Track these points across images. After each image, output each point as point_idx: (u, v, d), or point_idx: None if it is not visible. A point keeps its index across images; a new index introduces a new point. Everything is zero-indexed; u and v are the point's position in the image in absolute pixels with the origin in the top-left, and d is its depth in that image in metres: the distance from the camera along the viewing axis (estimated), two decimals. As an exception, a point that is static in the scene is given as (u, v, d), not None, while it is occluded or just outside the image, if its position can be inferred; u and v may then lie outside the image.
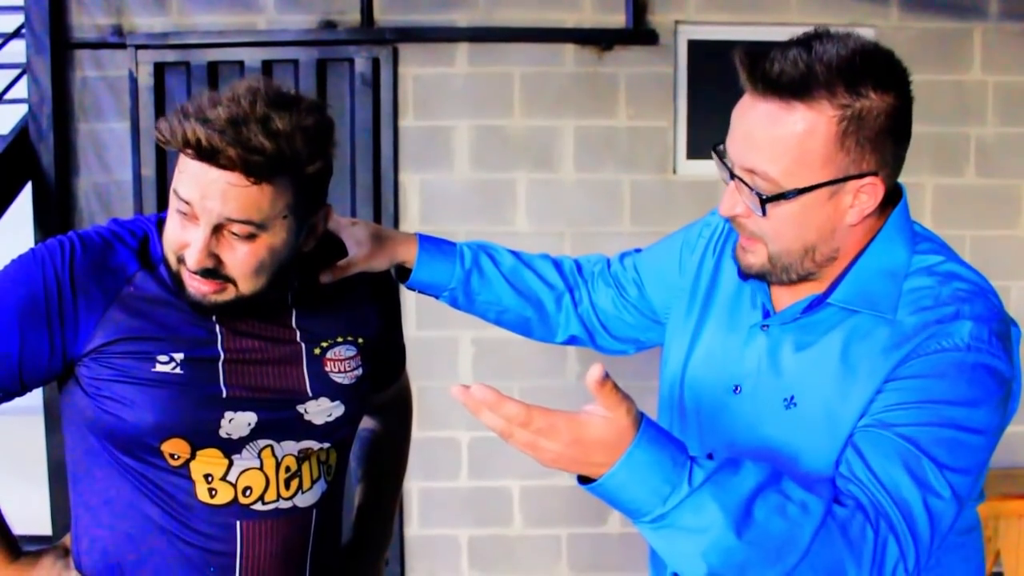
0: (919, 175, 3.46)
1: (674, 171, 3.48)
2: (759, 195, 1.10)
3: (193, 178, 1.14)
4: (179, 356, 1.22)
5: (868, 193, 1.11)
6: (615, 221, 3.47)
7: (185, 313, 1.23)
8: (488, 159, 3.46)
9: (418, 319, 3.46)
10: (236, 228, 1.16)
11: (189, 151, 1.12)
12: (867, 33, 3.44)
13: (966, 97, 3.48)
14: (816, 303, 1.18)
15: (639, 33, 3.40)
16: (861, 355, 1.14)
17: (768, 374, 1.21)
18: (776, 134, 1.08)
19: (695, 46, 3.46)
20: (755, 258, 1.17)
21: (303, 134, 1.14)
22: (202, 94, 1.17)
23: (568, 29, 3.42)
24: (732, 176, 1.14)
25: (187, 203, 1.15)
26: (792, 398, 1.18)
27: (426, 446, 3.51)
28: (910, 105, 1.11)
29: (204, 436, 1.22)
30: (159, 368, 1.21)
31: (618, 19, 3.41)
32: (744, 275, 1.23)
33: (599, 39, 3.42)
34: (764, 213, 1.11)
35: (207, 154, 1.11)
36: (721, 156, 1.15)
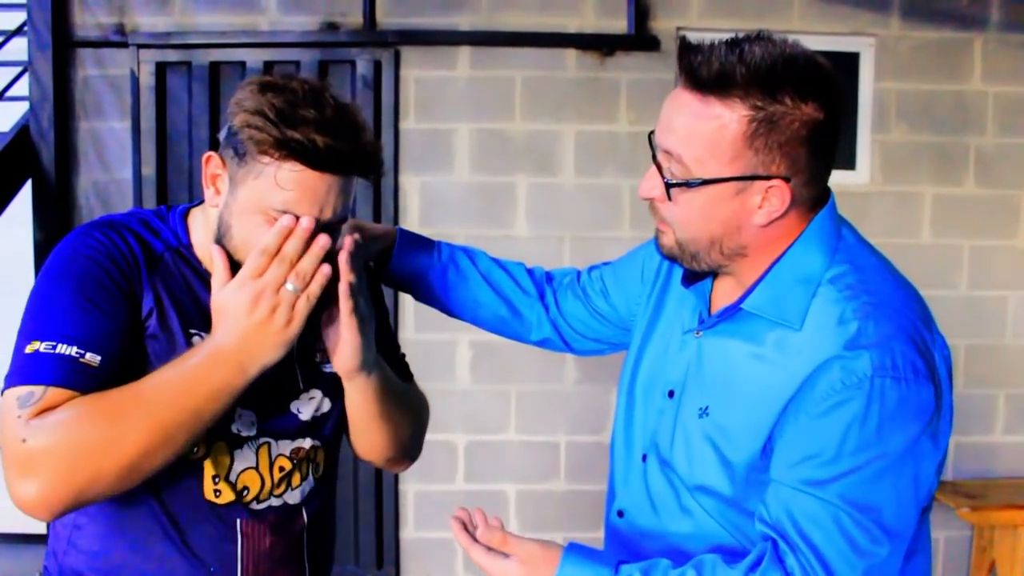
0: (918, 184, 3.46)
1: (674, 177, 3.48)
2: (666, 180, 1.14)
3: (309, 192, 1.14)
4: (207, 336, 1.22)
5: (776, 196, 1.12)
6: (615, 226, 3.47)
7: (206, 298, 1.23)
8: (488, 162, 3.47)
9: (416, 322, 3.46)
10: (335, 224, 1.20)
11: (303, 160, 1.12)
12: (868, 42, 3.45)
13: (966, 107, 3.48)
14: (731, 308, 1.20)
15: (641, 39, 3.41)
16: (774, 368, 1.14)
17: (693, 381, 1.24)
18: (691, 124, 1.11)
19: (696, 53, 3.47)
20: (666, 240, 1.21)
21: (369, 126, 1.20)
22: (270, 93, 1.14)
23: (570, 34, 3.43)
24: (655, 159, 1.17)
25: (295, 215, 1.15)
26: (706, 408, 1.20)
27: (423, 449, 3.50)
28: (835, 120, 1.11)
29: (219, 426, 1.21)
30: (195, 342, 1.21)
31: (620, 25, 3.42)
32: (667, 261, 1.27)
33: (601, 44, 3.42)
34: (670, 198, 1.15)
35: (330, 163, 1.13)
36: (651, 142, 1.19)
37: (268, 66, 3.41)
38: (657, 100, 3.82)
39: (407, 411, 1.35)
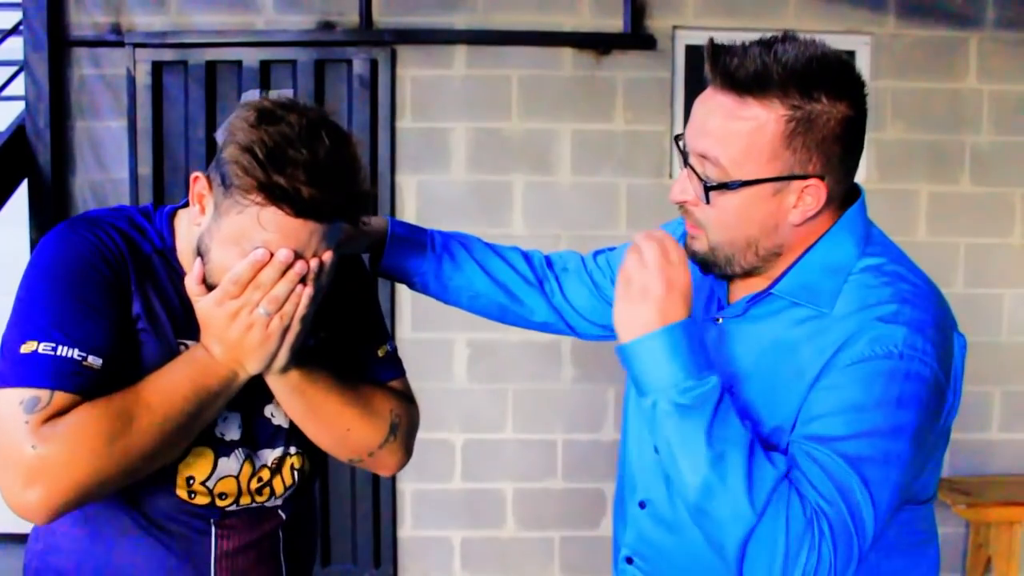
0: (914, 182, 3.47)
1: (670, 175, 3.48)
2: (704, 183, 1.13)
3: (291, 236, 1.12)
4: (192, 344, 1.22)
5: (812, 195, 1.13)
6: (611, 225, 3.47)
7: (191, 304, 1.22)
8: (485, 161, 3.47)
9: (413, 321, 3.46)
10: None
11: (287, 206, 1.09)
12: (863, 41, 3.46)
13: (961, 105, 3.49)
14: (761, 294, 1.21)
15: (637, 38, 3.41)
16: (800, 355, 1.15)
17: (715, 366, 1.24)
18: (728, 125, 1.11)
19: (692, 51, 3.47)
20: (698, 245, 1.20)
21: (363, 168, 1.17)
22: (264, 126, 1.10)
23: (566, 33, 3.43)
24: (686, 163, 1.17)
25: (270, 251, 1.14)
26: (730, 388, 1.20)
27: (420, 448, 3.49)
28: (863, 117, 1.13)
29: (203, 431, 1.21)
30: (182, 350, 1.21)
31: (616, 23, 3.42)
32: (700, 268, 1.26)
33: (597, 43, 3.43)
34: (708, 201, 1.14)
35: (314, 212, 1.11)
36: (679, 144, 1.19)
37: (264, 65, 3.41)
38: (654, 99, 3.85)
39: (348, 410, 1.30)
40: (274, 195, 1.09)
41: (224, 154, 1.12)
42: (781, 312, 1.19)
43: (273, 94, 3.35)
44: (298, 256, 1.14)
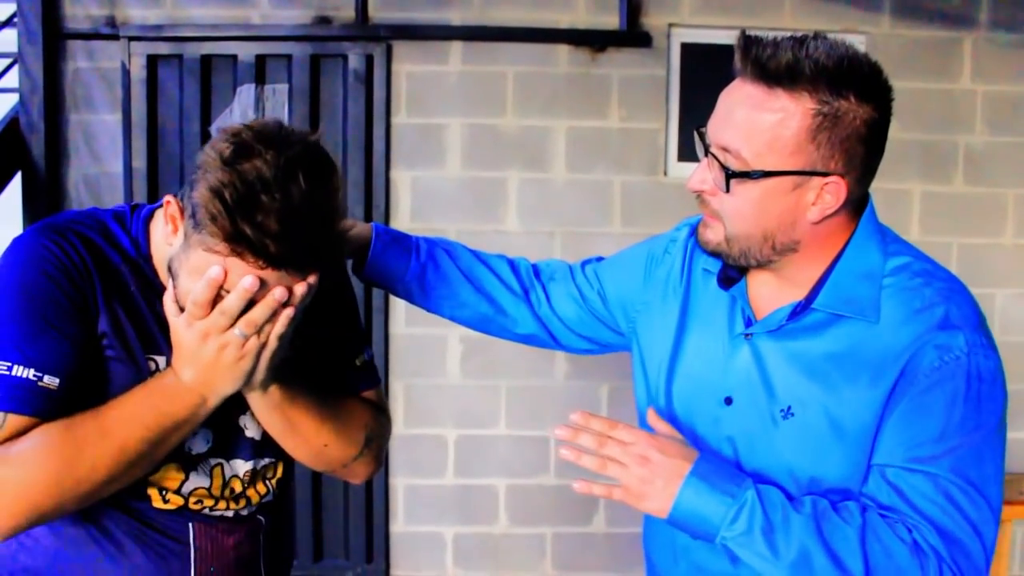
0: (907, 182, 3.48)
1: (665, 173, 3.49)
2: (726, 171, 1.13)
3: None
4: (162, 360, 1.19)
5: (831, 193, 1.14)
6: (605, 222, 3.48)
7: (164, 316, 1.18)
8: (480, 158, 3.47)
9: (407, 317, 3.46)
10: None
11: (253, 259, 1.05)
12: (859, 40, 3.47)
13: (955, 105, 3.50)
14: (800, 309, 1.20)
15: (632, 35, 3.41)
16: (859, 361, 1.16)
17: (759, 385, 1.22)
18: (754, 116, 1.12)
19: (688, 49, 3.48)
20: (713, 235, 1.20)
21: (339, 210, 1.12)
22: (239, 163, 1.04)
23: (562, 30, 3.43)
24: (707, 152, 1.17)
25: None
26: (789, 409, 1.19)
27: (413, 443, 3.51)
28: (888, 121, 1.16)
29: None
30: (153, 370, 1.19)
31: (612, 21, 3.42)
32: (712, 261, 1.27)
33: (593, 40, 3.43)
34: (728, 189, 1.14)
35: (282, 264, 1.07)
36: (702, 136, 1.20)
37: (260, 60, 3.40)
38: (649, 96, 3.84)
39: (323, 425, 1.28)
40: (240, 246, 1.04)
41: (195, 192, 1.06)
42: (823, 325, 1.19)
43: (268, 88, 3.39)
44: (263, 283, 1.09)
